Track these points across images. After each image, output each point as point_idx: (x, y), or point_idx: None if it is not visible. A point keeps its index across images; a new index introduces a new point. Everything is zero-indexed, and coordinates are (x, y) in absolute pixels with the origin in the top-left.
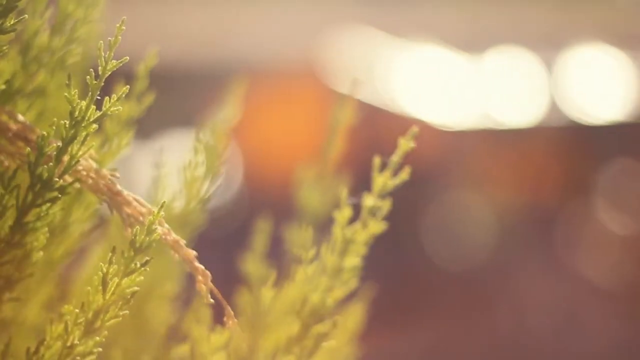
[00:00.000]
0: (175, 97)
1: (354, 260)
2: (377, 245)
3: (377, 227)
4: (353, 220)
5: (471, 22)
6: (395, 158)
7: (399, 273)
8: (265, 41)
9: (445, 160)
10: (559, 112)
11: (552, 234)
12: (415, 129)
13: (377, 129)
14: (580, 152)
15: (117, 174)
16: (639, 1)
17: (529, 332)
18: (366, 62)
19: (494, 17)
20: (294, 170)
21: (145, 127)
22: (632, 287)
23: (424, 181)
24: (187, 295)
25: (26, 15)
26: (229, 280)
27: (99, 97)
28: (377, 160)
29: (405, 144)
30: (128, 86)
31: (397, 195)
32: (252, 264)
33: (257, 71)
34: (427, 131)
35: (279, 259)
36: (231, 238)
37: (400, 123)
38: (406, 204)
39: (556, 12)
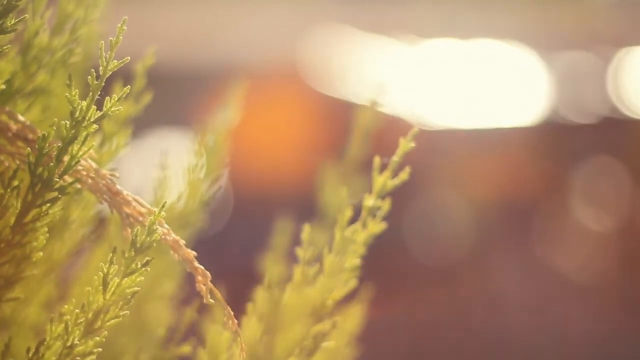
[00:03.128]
0: (161, 97)
1: (354, 260)
2: None
3: (376, 227)
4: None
5: (451, 20)
6: (396, 158)
7: (380, 268)
8: (249, 42)
9: (425, 159)
10: (536, 111)
11: (529, 230)
12: (416, 129)
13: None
14: (556, 150)
15: (117, 174)
16: (615, 4)
17: (506, 326)
18: (348, 62)
19: (474, 18)
20: (277, 170)
21: (134, 127)
22: (606, 281)
23: (406, 179)
24: (187, 295)
25: (26, 15)
26: (216, 278)
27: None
28: (377, 161)
29: (405, 144)
30: (129, 86)
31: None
32: (269, 264)
33: (241, 72)
34: (408, 130)
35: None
36: (216, 237)
37: (384, 122)
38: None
39: (534, 13)
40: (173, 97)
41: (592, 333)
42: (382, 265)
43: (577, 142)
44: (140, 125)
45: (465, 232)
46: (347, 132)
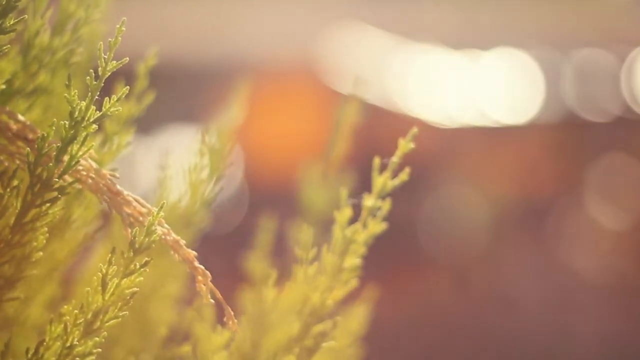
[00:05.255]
0: (174, 94)
1: (354, 260)
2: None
3: (377, 227)
4: (353, 219)
5: (467, 20)
6: (395, 159)
7: (394, 266)
8: (264, 39)
9: (440, 157)
10: (552, 109)
11: (544, 228)
12: (415, 129)
13: (372, 126)
14: (572, 148)
15: (117, 174)
16: (633, 4)
17: (522, 324)
18: (363, 60)
19: (489, 16)
20: (292, 167)
21: (143, 124)
22: (623, 280)
23: (419, 177)
24: (190, 294)
25: (26, 16)
26: (229, 278)
27: (98, 97)
28: (376, 161)
29: (404, 145)
30: (128, 87)
31: (393, 190)
32: (255, 262)
33: (255, 69)
34: (422, 128)
35: (279, 256)
36: (231, 235)
37: (396, 120)
38: (401, 199)
39: (550, 11)
40: (187, 94)
41: (608, 331)
42: (395, 262)
43: (593, 140)
44: (153, 122)
45: (480, 229)
46: (362, 131)
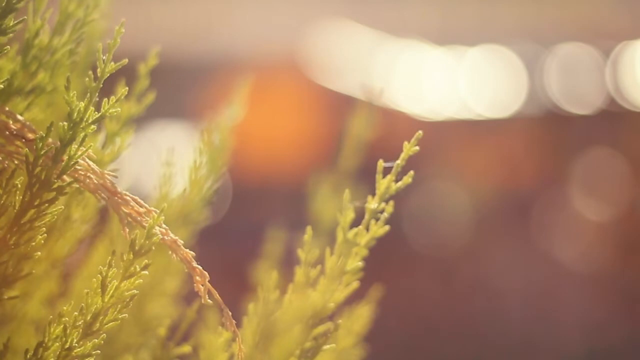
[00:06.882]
0: (160, 89)
1: (356, 262)
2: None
3: (379, 230)
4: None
5: (451, 17)
6: (400, 161)
7: (379, 258)
8: (250, 34)
9: (424, 149)
10: (535, 103)
11: (528, 220)
12: (420, 132)
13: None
14: (555, 141)
15: (116, 175)
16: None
17: (505, 314)
18: (347, 55)
19: (473, 12)
20: (275, 160)
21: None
22: (605, 271)
23: (404, 170)
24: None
25: (25, 17)
26: (213, 269)
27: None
28: (380, 164)
29: (409, 148)
30: (127, 88)
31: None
32: (263, 271)
33: (241, 64)
34: (406, 121)
35: (262, 247)
36: (213, 227)
37: (381, 114)
38: None
39: (535, 6)
40: (172, 89)
41: (589, 320)
42: (380, 254)
43: (576, 133)
44: (141, 118)
45: (464, 221)
46: (345, 125)
